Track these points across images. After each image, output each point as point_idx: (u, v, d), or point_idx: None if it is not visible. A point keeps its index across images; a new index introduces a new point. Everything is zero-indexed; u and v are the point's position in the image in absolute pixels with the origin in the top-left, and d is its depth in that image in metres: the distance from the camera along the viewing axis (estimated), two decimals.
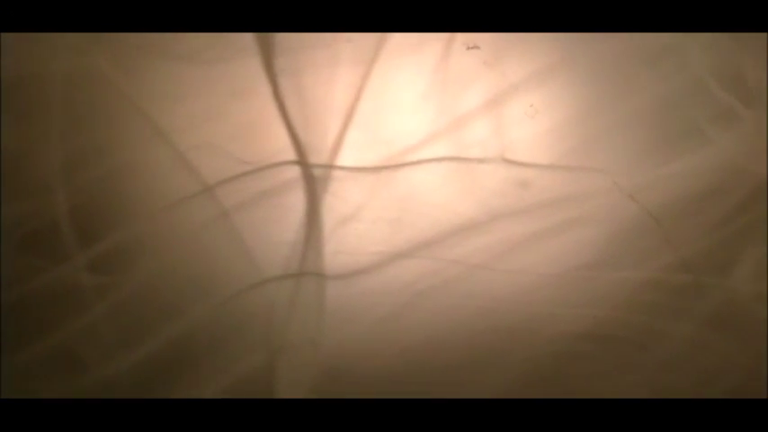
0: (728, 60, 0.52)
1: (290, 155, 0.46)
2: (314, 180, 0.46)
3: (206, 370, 0.50)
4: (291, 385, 0.49)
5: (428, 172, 0.48)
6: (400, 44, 0.49)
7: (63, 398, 0.52)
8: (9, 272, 0.52)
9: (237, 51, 0.48)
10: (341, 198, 0.47)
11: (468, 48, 0.46)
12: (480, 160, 0.48)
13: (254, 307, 0.48)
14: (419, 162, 0.51)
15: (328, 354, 0.48)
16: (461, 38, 0.49)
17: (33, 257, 0.50)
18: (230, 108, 0.48)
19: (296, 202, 0.47)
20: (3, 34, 0.54)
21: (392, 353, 0.50)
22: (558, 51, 0.53)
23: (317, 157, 0.49)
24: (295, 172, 0.46)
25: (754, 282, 0.47)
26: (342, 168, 0.46)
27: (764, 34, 0.55)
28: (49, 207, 0.47)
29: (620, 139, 0.50)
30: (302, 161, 0.49)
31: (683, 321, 0.47)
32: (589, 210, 0.48)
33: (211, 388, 0.49)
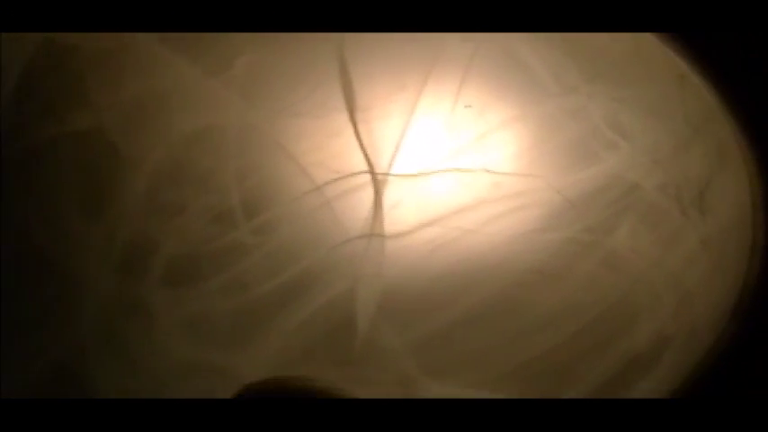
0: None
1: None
2: (378, 182, 0.62)
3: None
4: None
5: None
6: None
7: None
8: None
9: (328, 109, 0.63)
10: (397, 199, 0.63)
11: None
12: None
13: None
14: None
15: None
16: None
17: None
18: (328, 144, 0.65)
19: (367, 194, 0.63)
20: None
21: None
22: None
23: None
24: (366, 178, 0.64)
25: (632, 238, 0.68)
26: (394, 175, 0.62)
27: None
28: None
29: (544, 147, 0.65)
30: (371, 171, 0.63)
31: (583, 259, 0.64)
32: (533, 198, 0.64)
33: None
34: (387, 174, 0.62)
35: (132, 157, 0.62)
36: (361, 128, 0.62)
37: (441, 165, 0.64)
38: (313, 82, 0.62)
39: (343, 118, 0.62)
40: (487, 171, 0.64)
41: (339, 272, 0.63)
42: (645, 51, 0.63)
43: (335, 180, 0.62)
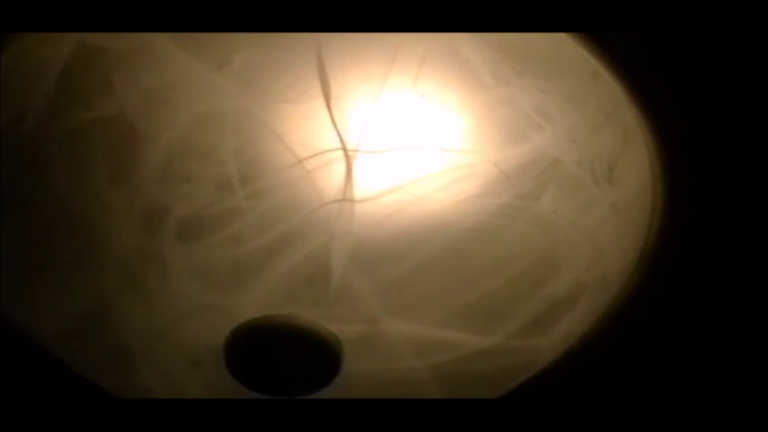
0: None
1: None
2: (349, 157, 0.67)
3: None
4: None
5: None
6: None
7: None
8: None
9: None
10: (365, 171, 0.68)
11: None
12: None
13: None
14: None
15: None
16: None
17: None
18: (307, 125, 0.67)
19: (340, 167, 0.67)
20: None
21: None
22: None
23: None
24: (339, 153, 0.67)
25: (554, 203, 0.70)
26: (362, 152, 0.67)
27: None
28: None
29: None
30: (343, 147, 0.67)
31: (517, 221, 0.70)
32: (474, 170, 0.69)
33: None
34: (356, 150, 0.67)
35: (148, 136, 0.67)
36: (335, 112, 0.66)
37: (400, 143, 0.68)
38: (296, 74, 0.66)
39: (320, 104, 0.66)
40: (439, 149, 0.69)
41: (317, 230, 0.68)
42: (564, 51, 0.66)
43: (314, 155, 0.67)
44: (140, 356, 0.74)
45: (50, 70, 0.66)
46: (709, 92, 0.69)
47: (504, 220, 0.71)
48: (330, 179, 0.69)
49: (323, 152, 0.68)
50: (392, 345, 0.73)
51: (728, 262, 0.74)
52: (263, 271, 0.70)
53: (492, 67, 0.66)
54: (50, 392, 0.76)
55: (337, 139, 0.67)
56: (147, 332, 0.73)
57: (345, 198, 0.68)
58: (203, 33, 0.65)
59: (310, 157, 0.68)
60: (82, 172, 0.69)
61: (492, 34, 0.65)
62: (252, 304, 0.71)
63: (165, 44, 0.65)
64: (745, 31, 0.68)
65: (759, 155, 0.73)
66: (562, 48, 0.66)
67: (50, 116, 0.68)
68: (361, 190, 0.69)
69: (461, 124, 0.69)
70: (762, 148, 0.73)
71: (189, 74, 0.66)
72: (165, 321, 0.73)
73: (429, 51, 0.66)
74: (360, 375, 0.73)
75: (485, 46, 0.66)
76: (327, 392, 0.72)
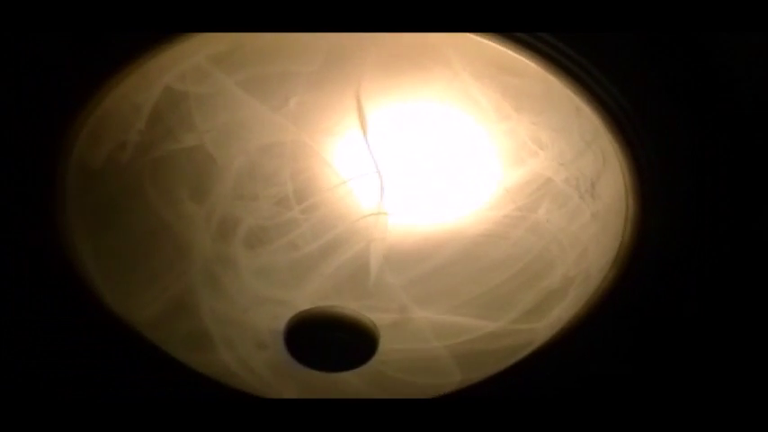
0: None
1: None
2: (382, 179, 0.71)
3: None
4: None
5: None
6: None
7: None
8: None
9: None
10: (395, 189, 0.72)
11: None
12: None
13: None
14: None
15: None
16: None
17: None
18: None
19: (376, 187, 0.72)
20: None
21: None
22: None
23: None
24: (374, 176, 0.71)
25: (548, 213, 0.76)
26: (395, 174, 0.71)
27: None
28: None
29: None
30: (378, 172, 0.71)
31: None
32: (483, 187, 0.74)
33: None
34: (388, 173, 0.73)
35: (223, 163, 0.73)
36: (370, 143, 0.72)
37: (424, 166, 0.73)
38: (339, 113, 0.71)
39: (359, 136, 0.72)
40: (454, 170, 0.75)
41: (358, 237, 0.73)
42: (553, 91, 0.73)
43: (354, 177, 0.73)
44: (218, 339, 0.81)
45: (144, 109, 0.72)
46: (670, 124, 0.76)
47: (507, 228, 0.76)
48: (367, 196, 0.74)
49: (361, 175, 0.73)
50: (418, 329, 0.79)
51: (689, 259, 0.82)
52: (315, 270, 0.76)
53: (495, 105, 0.72)
54: (145, 370, 0.85)
55: (373, 163, 0.72)
56: (223, 320, 0.79)
57: (380, 211, 0.74)
58: (267, 82, 0.71)
59: (351, 178, 0.73)
60: (169, 192, 0.75)
61: (496, 78, 0.71)
62: (306, 297, 0.77)
63: (235, 90, 0.71)
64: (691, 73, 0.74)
65: (712, 172, 0.79)
66: (552, 88, 0.73)
67: (144, 147, 0.74)
68: (392, 204, 0.74)
69: (472, 150, 0.74)
70: (714, 166, 0.79)
71: (254, 113, 0.71)
72: (238, 311, 0.79)
73: (446, 95, 0.72)
74: (392, 353, 0.80)
75: (490, 88, 0.72)
76: (366, 368, 0.79)
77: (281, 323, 0.78)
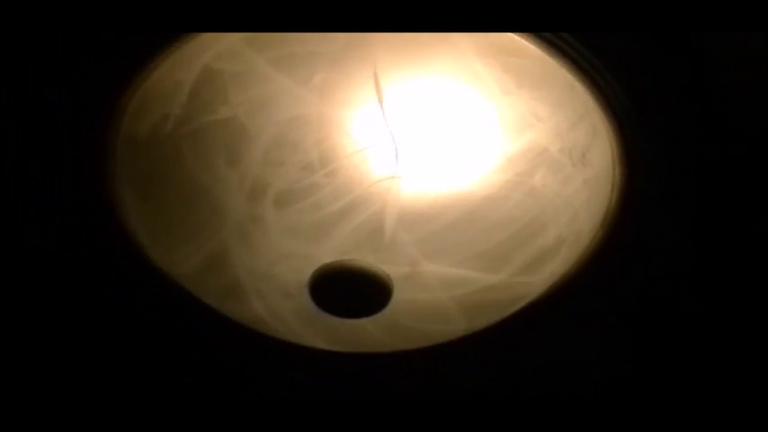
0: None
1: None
2: (397, 147, 0.74)
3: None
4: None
5: None
6: None
7: None
8: None
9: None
10: (408, 155, 0.75)
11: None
12: None
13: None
14: None
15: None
16: None
17: None
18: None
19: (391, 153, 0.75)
20: None
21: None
22: None
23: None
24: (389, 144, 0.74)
25: (544, 179, 0.79)
26: (408, 142, 0.74)
27: None
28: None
29: None
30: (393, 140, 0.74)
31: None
32: (487, 156, 0.78)
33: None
34: (401, 141, 0.76)
35: (254, 132, 0.76)
36: (386, 113, 0.76)
37: (434, 135, 0.77)
38: (358, 87, 0.75)
39: (376, 107, 0.75)
40: (461, 140, 0.78)
41: (374, 199, 0.77)
42: (550, 70, 0.77)
43: (371, 145, 0.77)
44: (249, 290, 0.85)
45: (185, 86, 0.76)
46: (656, 97, 0.81)
47: (508, 192, 0.80)
48: (383, 162, 0.78)
49: (378, 143, 0.77)
50: (427, 281, 0.83)
51: (669, 221, 0.87)
52: (336, 228, 0.80)
53: (499, 81, 0.76)
54: (183, 318, 0.91)
55: (388, 133, 0.76)
56: (254, 272, 0.84)
57: (394, 176, 0.78)
58: (294, 61, 0.75)
59: (369, 146, 0.77)
60: (207, 159, 0.79)
61: (499, 57, 0.75)
62: (328, 252, 0.81)
63: (265, 67, 0.75)
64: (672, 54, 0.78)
65: (690, 146, 0.85)
66: (549, 68, 0.77)
67: (185, 119, 0.78)
68: (405, 170, 0.78)
69: (478, 122, 0.78)
70: (689, 137, 0.83)
71: (282, 88, 0.75)
72: (267, 264, 0.83)
73: (454, 72, 0.76)
74: (405, 303, 0.84)
75: (494, 66, 0.76)
76: (381, 316, 0.83)
77: (305, 275, 0.83)
